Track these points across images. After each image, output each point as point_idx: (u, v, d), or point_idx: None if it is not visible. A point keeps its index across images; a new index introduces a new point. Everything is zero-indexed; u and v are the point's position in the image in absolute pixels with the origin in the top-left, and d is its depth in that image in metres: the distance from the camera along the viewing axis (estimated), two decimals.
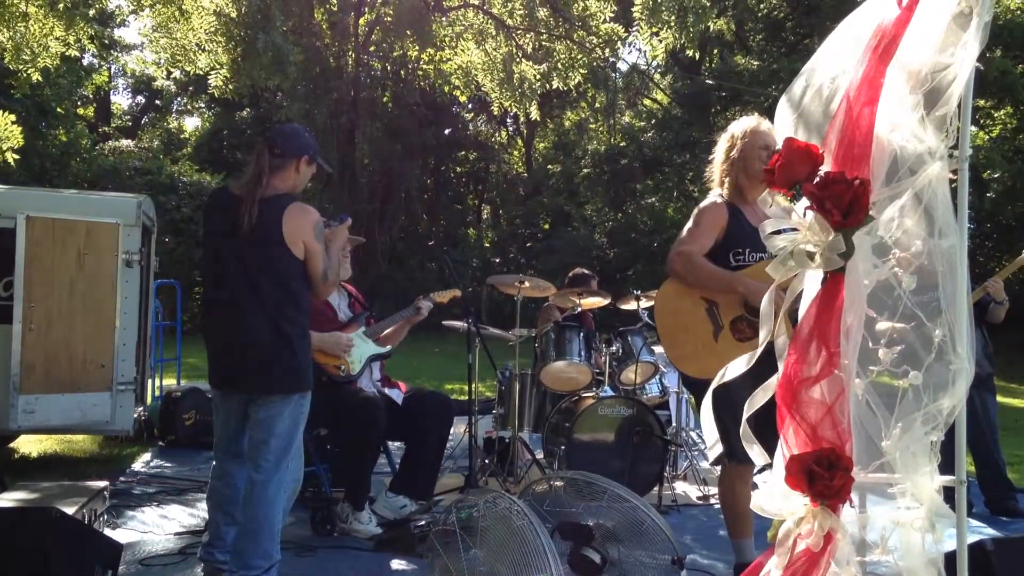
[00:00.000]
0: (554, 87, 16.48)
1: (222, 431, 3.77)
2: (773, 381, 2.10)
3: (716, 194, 3.88)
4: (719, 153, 3.90)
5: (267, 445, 3.53)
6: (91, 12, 12.35)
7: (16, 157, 11.19)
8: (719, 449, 2.81)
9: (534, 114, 17.09)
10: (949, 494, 1.94)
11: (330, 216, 3.86)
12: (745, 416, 2.16)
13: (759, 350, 2.21)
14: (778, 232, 2.12)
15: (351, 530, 4.69)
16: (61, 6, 11.30)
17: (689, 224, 3.86)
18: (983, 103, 18.20)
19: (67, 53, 12.36)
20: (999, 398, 5.94)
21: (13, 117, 11.09)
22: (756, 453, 2.18)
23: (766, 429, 2.18)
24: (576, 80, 16.36)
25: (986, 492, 5.52)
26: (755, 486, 3.83)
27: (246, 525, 3.54)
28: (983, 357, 5.40)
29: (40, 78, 12.55)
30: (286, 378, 3.53)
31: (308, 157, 3.66)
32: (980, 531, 4.98)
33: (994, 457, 5.47)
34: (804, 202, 2.04)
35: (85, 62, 23.64)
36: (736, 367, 2.29)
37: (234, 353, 3.59)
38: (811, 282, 2.08)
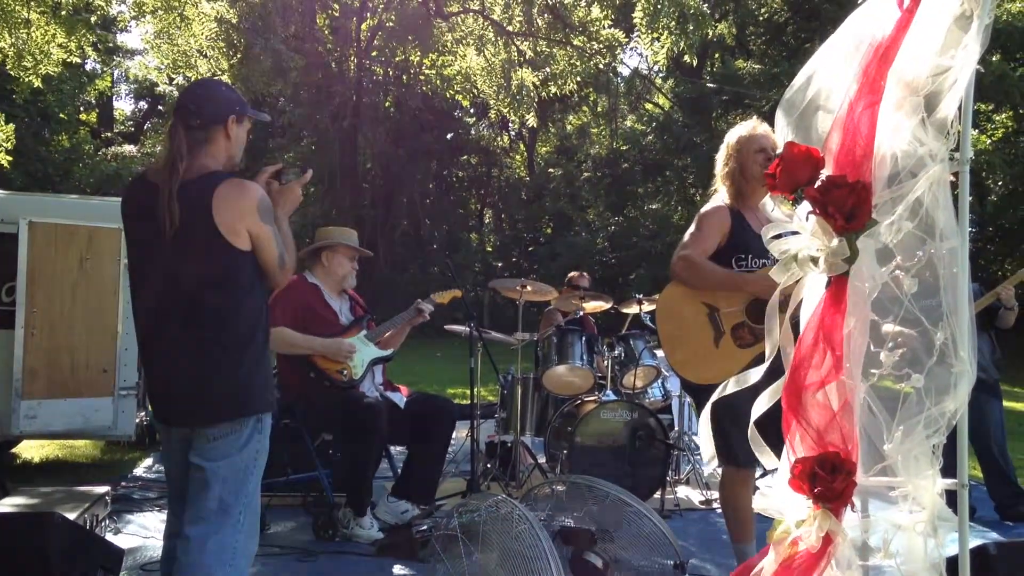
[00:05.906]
0: (551, 93, 16.53)
1: (168, 478, 3.01)
2: (778, 385, 2.09)
3: (719, 199, 3.87)
4: (718, 164, 3.90)
5: (208, 488, 2.70)
6: (93, 19, 12.40)
7: (9, 159, 11.14)
8: (716, 462, 2.80)
9: (531, 121, 17.14)
10: (952, 498, 1.94)
11: (287, 168, 2.99)
12: (752, 420, 2.16)
13: (767, 363, 2.20)
14: (779, 236, 2.11)
15: (353, 535, 4.68)
16: (63, 13, 11.34)
17: (692, 228, 3.85)
18: (983, 107, 18.18)
19: (69, 60, 12.40)
20: (1006, 403, 5.91)
21: (2, 116, 11.06)
22: (766, 457, 2.17)
23: (769, 433, 2.18)
24: (572, 86, 16.39)
25: (996, 498, 5.50)
26: (757, 489, 3.83)
27: None
28: (990, 363, 5.40)
29: (41, 84, 12.57)
30: (229, 402, 2.76)
31: (235, 115, 2.82)
32: (983, 535, 4.97)
33: (1001, 464, 5.45)
34: (806, 206, 2.04)
35: (88, 67, 23.70)
36: (745, 380, 2.28)
37: (167, 380, 2.85)
38: (812, 287, 2.07)
